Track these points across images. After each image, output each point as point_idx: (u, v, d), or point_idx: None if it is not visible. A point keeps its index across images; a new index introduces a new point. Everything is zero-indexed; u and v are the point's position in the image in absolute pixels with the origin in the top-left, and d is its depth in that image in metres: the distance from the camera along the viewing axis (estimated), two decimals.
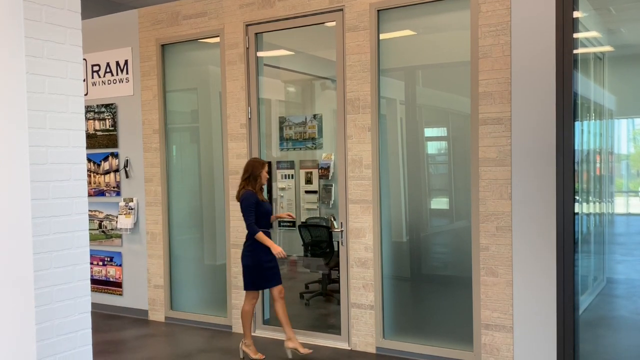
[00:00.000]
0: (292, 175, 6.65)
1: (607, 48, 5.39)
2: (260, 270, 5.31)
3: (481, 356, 5.00)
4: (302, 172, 6.60)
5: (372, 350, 5.54)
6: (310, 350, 5.38)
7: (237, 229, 6.27)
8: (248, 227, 5.31)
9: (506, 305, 4.87)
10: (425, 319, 5.57)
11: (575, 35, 4.54)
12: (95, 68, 7.27)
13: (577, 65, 4.61)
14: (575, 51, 4.54)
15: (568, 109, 4.51)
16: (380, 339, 5.50)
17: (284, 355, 5.46)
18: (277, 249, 5.24)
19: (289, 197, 6.76)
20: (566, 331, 4.58)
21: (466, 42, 5.01)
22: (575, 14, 4.55)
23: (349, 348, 5.67)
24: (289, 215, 5.83)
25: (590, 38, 5.15)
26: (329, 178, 6.48)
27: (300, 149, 6.41)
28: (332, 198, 6.46)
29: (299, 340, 5.45)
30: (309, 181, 6.71)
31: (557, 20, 4.56)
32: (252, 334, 6.12)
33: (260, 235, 5.25)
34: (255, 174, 5.37)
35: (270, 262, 5.35)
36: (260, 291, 5.68)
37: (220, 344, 5.97)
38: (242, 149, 6.20)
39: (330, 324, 6.14)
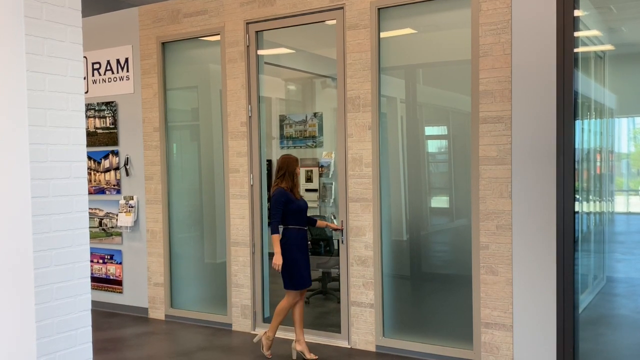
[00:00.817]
0: None
1: (607, 47, 5.39)
2: (293, 267, 5.22)
3: (481, 355, 5.00)
4: (303, 170, 6.61)
5: (372, 348, 5.54)
6: (317, 357, 5.36)
7: (237, 227, 6.27)
8: (270, 224, 5.26)
9: (506, 303, 4.87)
10: (425, 317, 5.57)
11: (575, 34, 4.54)
12: (96, 66, 7.27)
13: (577, 64, 4.61)
14: (575, 50, 4.54)
15: (568, 107, 4.51)
16: (380, 337, 5.50)
17: (285, 353, 5.47)
18: (277, 260, 5.15)
19: None
20: (566, 330, 4.58)
21: (467, 41, 5.01)
22: (576, 13, 4.55)
23: (349, 346, 5.68)
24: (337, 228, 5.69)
25: (590, 37, 5.15)
26: (329, 176, 6.47)
27: (301, 147, 6.41)
28: (332, 196, 6.47)
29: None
30: (309, 179, 6.71)
31: (558, 18, 4.56)
32: (252, 331, 6.13)
33: (274, 238, 5.20)
34: (290, 171, 5.29)
35: (304, 261, 5.31)
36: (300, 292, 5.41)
37: (221, 342, 5.97)
38: (242, 147, 6.19)
39: (330, 322, 6.14)
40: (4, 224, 3.29)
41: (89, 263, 3.62)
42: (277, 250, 5.17)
